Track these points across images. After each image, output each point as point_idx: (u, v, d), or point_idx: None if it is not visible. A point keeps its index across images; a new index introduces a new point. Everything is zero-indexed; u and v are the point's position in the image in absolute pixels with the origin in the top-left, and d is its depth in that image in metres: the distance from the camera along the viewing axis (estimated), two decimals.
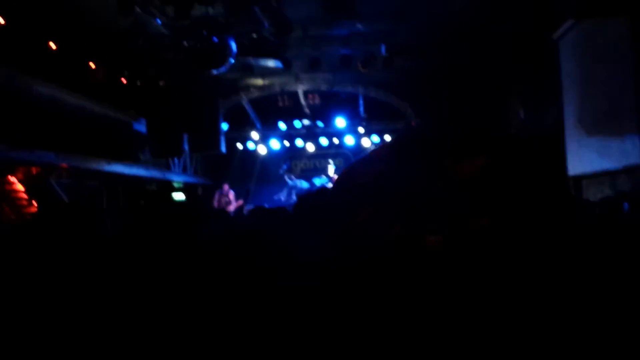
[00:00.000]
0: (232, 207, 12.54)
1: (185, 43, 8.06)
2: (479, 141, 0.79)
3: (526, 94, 11.89)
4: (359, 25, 9.40)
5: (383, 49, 9.96)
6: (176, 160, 13.89)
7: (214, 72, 8.55)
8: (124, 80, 10.44)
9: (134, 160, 11.94)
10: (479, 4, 8.59)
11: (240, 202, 12.74)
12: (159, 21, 7.81)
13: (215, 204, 12.67)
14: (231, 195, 12.97)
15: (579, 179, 9.91)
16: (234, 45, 8.25)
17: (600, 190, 9.11)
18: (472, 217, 0.80)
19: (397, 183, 0.76)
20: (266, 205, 10.33)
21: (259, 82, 13.11)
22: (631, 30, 7.76)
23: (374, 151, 0.74)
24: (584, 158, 9.39)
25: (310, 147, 15.60)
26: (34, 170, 9.61)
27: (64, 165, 9.67)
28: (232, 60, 8.46)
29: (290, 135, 15.52)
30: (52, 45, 9.49)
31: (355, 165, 0.78)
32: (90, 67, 10.11)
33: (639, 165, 7.70)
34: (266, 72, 10.83)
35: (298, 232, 2.08)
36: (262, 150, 15.64)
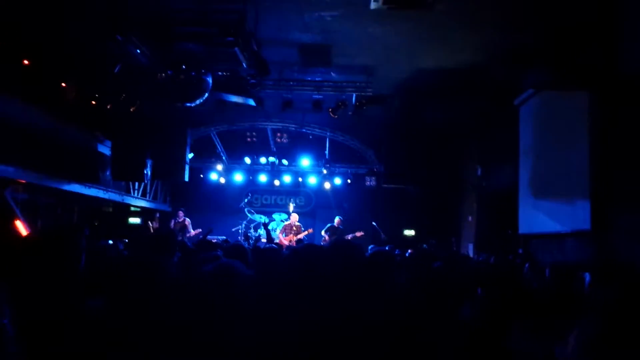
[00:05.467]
0: (192, 234, 12.49)
1: (162, 74, 8.06)
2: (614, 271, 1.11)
3: (485, 152, 12.39)
4: (333, 74, 9.71)
5: (354, 97, 10.25)
6: (136, 184, 13.75)
7: (188, 104, 8.58)
8: (93, 102, 10.35)
9: (93, 180, 11.77)
10: (446, 69, 9.01)
11: (198, 231, 12.68)
12: (138, 51, 7.82)
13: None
14: (187, 221, 12.92)
15: (528, 238, 10.25)
16: (210, 81, 8.32)
17: (549, 251, 9.41)
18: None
19: None
20: (217, 238, 10.36)
21: (230, 116, 13.22)
22: (589, 103, 8.06)
23: None
24: (535, 218, 9.67)
25: (273, 184, 15.76)
26: None
27: (22, 180, 9.48)
28: (207, 95, 8.53)
29: (255, 170, 15.65)
30: (25, 61, 9.39)
31: None
32: (61, 86, 10.02)
33: (588, 231, 7.90)
34: (238, 108, 10.92)
35: None
36: (224, 181, 15.67)
